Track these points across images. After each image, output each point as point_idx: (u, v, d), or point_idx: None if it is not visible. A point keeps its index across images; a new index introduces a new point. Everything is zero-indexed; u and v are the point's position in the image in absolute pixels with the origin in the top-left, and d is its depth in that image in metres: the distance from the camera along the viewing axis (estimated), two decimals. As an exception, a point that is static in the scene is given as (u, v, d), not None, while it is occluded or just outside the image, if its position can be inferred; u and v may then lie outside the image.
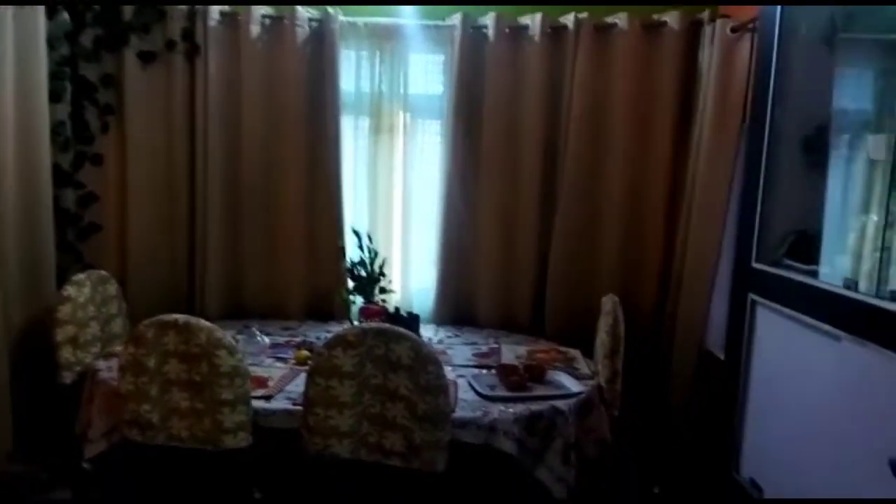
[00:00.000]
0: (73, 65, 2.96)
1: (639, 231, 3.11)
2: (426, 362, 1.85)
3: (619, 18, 3.03)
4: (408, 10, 3.13)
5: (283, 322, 3.06)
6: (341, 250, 2.96)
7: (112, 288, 2.74)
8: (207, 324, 1.93)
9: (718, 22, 2.85)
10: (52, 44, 2.81)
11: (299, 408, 1.96)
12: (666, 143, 3.06)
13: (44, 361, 2.58)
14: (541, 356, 2.59)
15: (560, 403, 2.09)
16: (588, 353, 2.66)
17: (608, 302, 2.44)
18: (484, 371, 2.39)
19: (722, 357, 2.80)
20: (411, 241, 3.23)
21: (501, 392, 2.15)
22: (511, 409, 2.02)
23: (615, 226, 3.08)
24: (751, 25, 2.74)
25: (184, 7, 3.00)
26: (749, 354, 1.87)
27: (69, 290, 2.49)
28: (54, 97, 2.86)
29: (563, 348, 2.72)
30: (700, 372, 2.86)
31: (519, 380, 2.18)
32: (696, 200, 2.89)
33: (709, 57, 2.89)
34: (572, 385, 2.22)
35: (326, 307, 3.17)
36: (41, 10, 2.71)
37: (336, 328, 2.91)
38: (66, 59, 2.92)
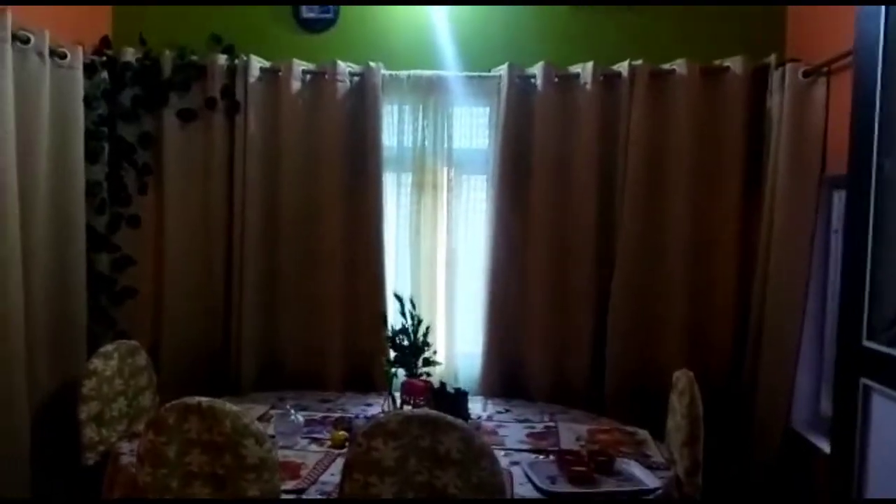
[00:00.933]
0: (111, 124, 2.90)
1: (707, 295, 2.84)
2: (479, 457, 1.60)
3: (678, 65, 2.84)
4: (451, 62, 3.01)
5: (321, 393, 2.86)
6: (383, 317, 2.76)
7: (142, 359, 2.59)
8: (233, 408, 1.74)
9: (788, 66, 2.63)
10: (89, 103, 2.76)
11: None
12: (734, 197, 2.82)
13: (70, 437, 2.43)
14: (604, 437, 2.31)
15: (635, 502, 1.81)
16: (656, 434, 2.37)
17: (682, 378, 2.16)
18: (541, 457, 2.12)
19: (809, 438, 2.49)
20: (456, 305, 3.01)
21: (563, 487, 1.88)
22: (574, 510, 1.75)
23: (680, 289, 2.81)
24: (825, 69, 2.52)
25: (223, 63, 2.92)
26: (864, 448, 1.57)
27: (95, 363, 2.34)
28: (91, 157, 2.79)
29: (628, 428, 2.43)
30: (786, 454, 2.53)
31: (585, 472, 1.91)
32: (772, 260, 2.62)
33: (779, 104, 2.67)
34: (646, 478, 1.93)
35: (367, 376, 2.96)
36: (79, 68, 2.67)
37: (376, 401, 2.73)
38: (103, 119, 2.86)
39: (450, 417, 1.64)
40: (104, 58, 2.88)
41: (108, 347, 2.43)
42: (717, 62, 2.85)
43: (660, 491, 1.88)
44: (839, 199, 2.61)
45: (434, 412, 1.66)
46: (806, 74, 2.57)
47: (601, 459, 2.00)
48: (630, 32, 2.98)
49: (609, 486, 1.90)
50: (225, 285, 2.99)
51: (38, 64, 2.47)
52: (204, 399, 1.74)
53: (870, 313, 1.56)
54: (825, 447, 2.35)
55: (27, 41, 2.42)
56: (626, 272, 2.82)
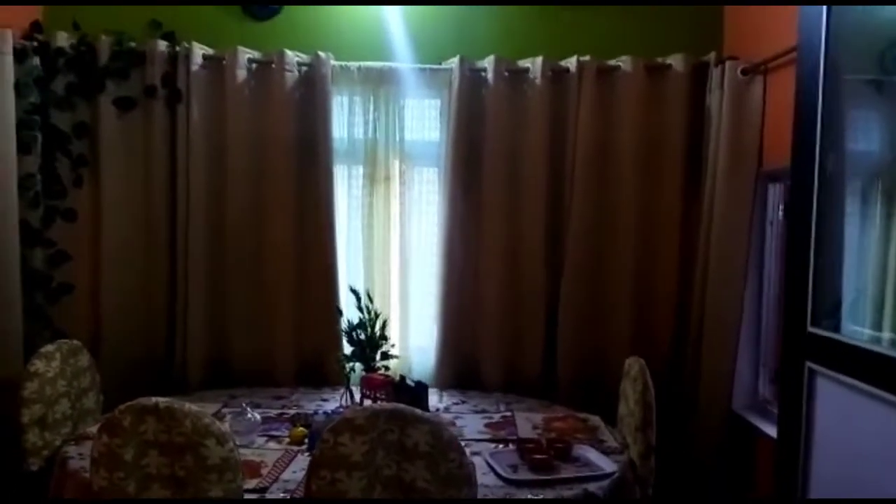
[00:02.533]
0: (44, 113, 2.75)
1: (651, 285, 2.94)
2: (447, 449, 1.62)
3: (623, 61, 2.92)
4: (403, 54, 2.99)
5: (274, 390, 2.80)
6: (338, 311, 2.73)
7: (84, 359, 2.48)
8: (193, 408, 1.69)
9: (727, 64, 2.75)
10: (19, 90, 2.61)
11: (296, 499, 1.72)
12: (676, 189, 2.92)
13: (8, 443, 2.30)
14: (559, 425, 2.37)
15: (593, 487, 1.87)
16: (607, 419, 2.45)
17: (634, 365, 2.24)
18: (501, 446, 2.16)
19: (749, 419, 2.63)
20: (410, 298, 3.02)
21: (526, 474, 1.92)
22: (541, 496, 1.80)
23: (626, 280, 2.91)
24: (763, 67, 2.65)
25: (164, 50, 2.81)
26: (810, 430, 1.67)
27: (37, 365, 2.22)
28: (23, 148, 2.64)
29: (581, 415, 2.50)
30: (727, 436, 2.67)
31: (545, 459, 1.96)
32: (712, 251, 2.74)
33: (718, 100, 2.78)
34: (603, 463, 2.00)
35: (319, 372, 2.92)
36: (9, 53, 2.52)
37: (331, 396, 2.71)
38: (35, 108, 2.70)
39: (418, 411, 1.65)
40: (35, 43, 2.72)
41: (50, 348, 2.31)
42: (660, 59, 2.94)
43: (616, 474, 1.95)
44: (774, 192, 2.75)
45: (402, 406, 1.66)
46: (744, 72, 2.69)
47: (559, 446, 2.06)
48: (578, 28, 3.04)
49: (568, 471, 1.95)
50: (168, 281, 2.89)
51: (-38, 48, 2.32)
52: (161, 399, 1.69)
53: (813, 301, 1.65)
54: (765, 428, 2.50)
55: (-51, 23, 2.27)
56: (575, 263, 2.89)
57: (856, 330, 1.62)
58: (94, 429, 2.18)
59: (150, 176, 2.86)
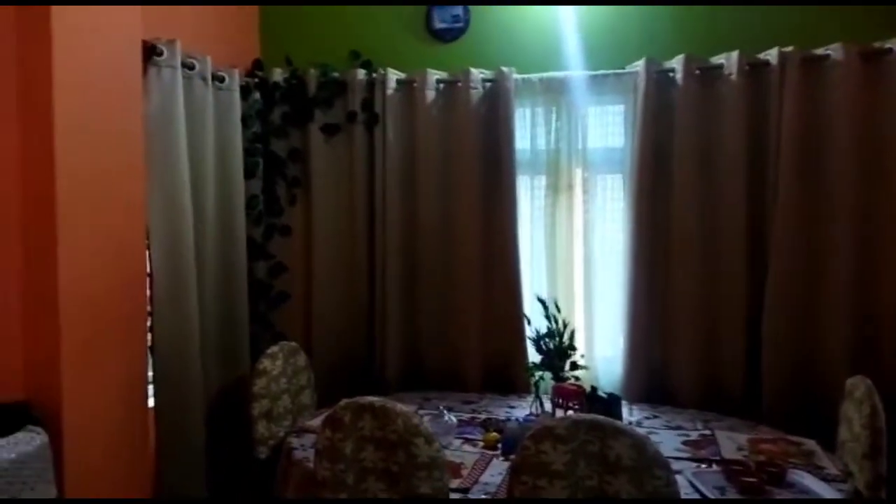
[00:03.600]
0: (265, 141, 3.11)
1: (876, 290, 2.63)
2: (653, 465, 1.58)
3: (833, 49, 2.65)
4: (583, 61, 2.98)
5: (463, 395, 2.91)
6: (526, 319, 2.78)
7: (301, 359, 2.76)
8: (404, 408, 1.82)
9: (968, 43, 2.39)
10: (245, 122, 2.97)
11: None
12: (903, 190, 2.59)
13: (239, 432, 2.63)
14: (768, 447, 2.19)
15: (814, 516, 1.71)
16: (824, 444, 2.23)
17: (860, 385, 2.02)
18: (703, 466, 2.06)
19: None
20: (595, 307, 2.98)
21: (735, 497, 1.81)
22: (754, 522, 1.69)
23: (844, 288, 2.62)
24: None
25: (363, 78, 3.06)
26: None
27: (264, 363, 2.52)
28: (248, 173, 3.00)
29: (793, 438, 2.30)
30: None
31: (756, 483, 1.83)
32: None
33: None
34: (823, 491, 1.83)
35: (504, 378, 2.99)
36: (236, 90, 2.88)
37: (518, 403, 2.76)
38: (257, 136, 3.07)
39: (619, 423, 1.63)
40: (256, 79, 3.09)
41: (274, 348, 2.61)
42: (877, 44, 2.64)
43: (843, 505, 1.78)
44: None
45: (602, 417, 1.66)
46: None
47: (771, 470, 1.91)
48: (776, 15, 2.82)
49: (783, 498, 1.81)
50: (369, 289, 3.12)
51: (202, 88, 2.70)
52: (376, 399, 1.84)
53: None
54: None
55: (192, 67, 2.65)
56: (781, 270, 2.67)
57: None
58: (313, 422, 2.43)
59: (353, 193, 3.12)
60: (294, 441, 2.30)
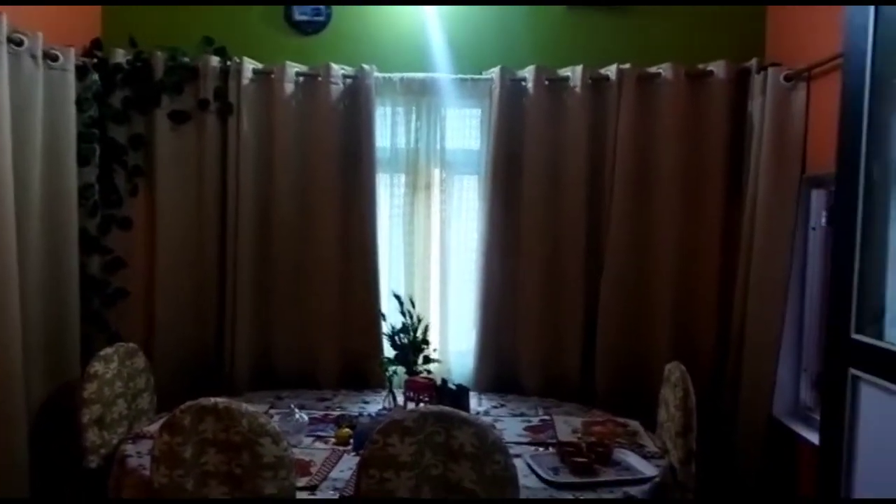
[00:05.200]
0: (102, 126, 2.88)
1: (692, 290, 2.94)
2: (493, 451, 1.67)
3: (664, 68, 2.93)
4: (444, 64, 3.06)
5: (317, 392, 2.89)
6: (381, 316, 2.80)
7: (140, 361, 2.60)
8: (250, 408, 1.77)
9: (770, 70, 2.73)
10: (80, 105, 2.74)
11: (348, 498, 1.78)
12: (718, 196, 2.92)
13: (69, 441, 2.42)
14: (598, 429, 2.39)
15: (634, 490, 1.89)
16: (646, 424, 2.47)
17: (675, 370, 2.26)
18: (541, 449, 2.20)
19: (790, 425, 2.61)
20: (449, 303, 3.07)
21: (567, 477, 1.95)
22: (582, 498, 1.83)
23: (667, 285, 2.91)
24: (806, 74, 2.63)
25: (216, 65, 2.93)
26: (853, 437, 1.67)
27: (96, 367, 2.34)
28: (82, 160, 2.77)
29: (620, 419, 2.52)
30: (768, 441, 2.65)
31: (586, 462, 1.98)
32: (754, 257, 2.72)
33: (760, 107, 2.77)
34: (643, 467, 2.02)
35: (361, 375, 3.00)
36: (71, 70, 2.65)
37: (374, 398, 2.78)
38: (94, 121, 2.84)
39: (464, 413, 1.70)
40: (95, 60, 2.86)
41: (108, 350, 2.43)
42: (701, 66, 2.95)
43: (657, 478, 1.97)
44: (817, 198, 2.73)
45: (448, 409, 1.72)
46: (787, 79, 2.68)
47: (599, 450, 2.08)
48: (619, 35, 3.07)
49: (609, 475, 1.98)
50: (218, 286, 3.00)
51: (31, 66, 2.46)
52: (220, 400, 1.78)
53: (858, 307, 1.65)
54: (806, 434, 2.48)
55: (21, 43, 2.41)
56: (615, 269, 2.91)
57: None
58: (150, 427, 2.30)
59: (202, 186, 2.98)
60: (128, 448, 2.16)
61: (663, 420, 2.35)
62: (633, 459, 2.08)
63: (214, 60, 2.94)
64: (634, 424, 2.47)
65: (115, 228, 2.95)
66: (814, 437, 2.34)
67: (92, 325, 2.85)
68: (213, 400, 1.77)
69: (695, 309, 2.94)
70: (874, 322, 1.66)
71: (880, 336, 1.64)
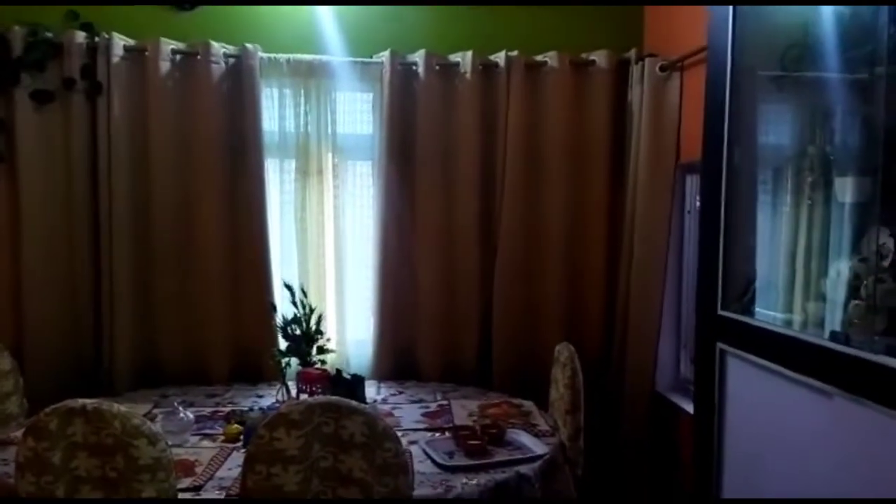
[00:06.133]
0: (-47, 107, 2.60)
1: (581, 271, 3.05)
2: (382, 439, 1.65)
3: (550, 57, 3.00)
4: (333, 47, 2.98)
5: (207, 388, 2.77)
6: (272, 306, 2.71)
7: (6, 362, 2.38)
8: (122, 409, 1.66)
9: (647, 61, 2.86)
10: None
11: (234, 499, 1.71)
12: (602, 182, 3.03)
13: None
14: (494, 411, 2.44)
15: (525, 469, 1.94)
16: (541, 404, 2.54)
17: (564, 351, 2.33)
18: (437, 434, 2.21)
19: (672, 399, 2.78)
20: (345, 292, 3.02)
21: (461, 460, 1.98)
22: (475, 481, 1.85)
23: (557, 268, 3.01)
24: (679, 64, 2.78)
25: (82, 41, 2.70)
26: (722, 404, 1.79)
27: (-51, 371, 2.12)
28: (-71, 144, 2.49)
29: (515, 401, 2.58)
30: (652, 414, 2.81)
31: (479, 444, 2.02)
32: (636, 239, 2.86)
33: (639, 96, 2.89)
34: (535, 446, 2.08)
35: (254, 368, 2.89)
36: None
37: (268, 391, 2.70)
38: (-57, 101, 2.55)
39: (353, 403, 1.67)
40: (-60, 32, 2.57)
41: (-36, 353, 2.21)
42: (584, 55, 3.04)
43: (547, 455, 2.03)
44: (691, 183, 2.90)
45: (336, 398, 1.68)
46: (662, 69, 2.81)
47: (492, 432, 2.12)
48: (507, 23, 3.10)
49: (502, 455, 2.02)
50: (93, 282, 2.79)
51: None
52: (89, 401, 1.65)
53: (723, 285, 1.77)
54: (686, 406, 2.64)
55: None
56: (507, 255, 2.97)
57: (764, 313, 1.74)
58: (17, 433, 2.10)
59: (71, 172, 2.75)
60: (-10, 458, 1.98)
61: (554, 399, 2.43)
62: (525, 439, 2.14)
63: (80, 36, 2.72)
64: (528, 405, 2.54)
65: (-28, 219, 2.68)
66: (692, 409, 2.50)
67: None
68: (80, 401, 1.64)
69: (583, 291, 3.05)
70: (739, 299, 1.78)
71: (745, 312, 1.76)
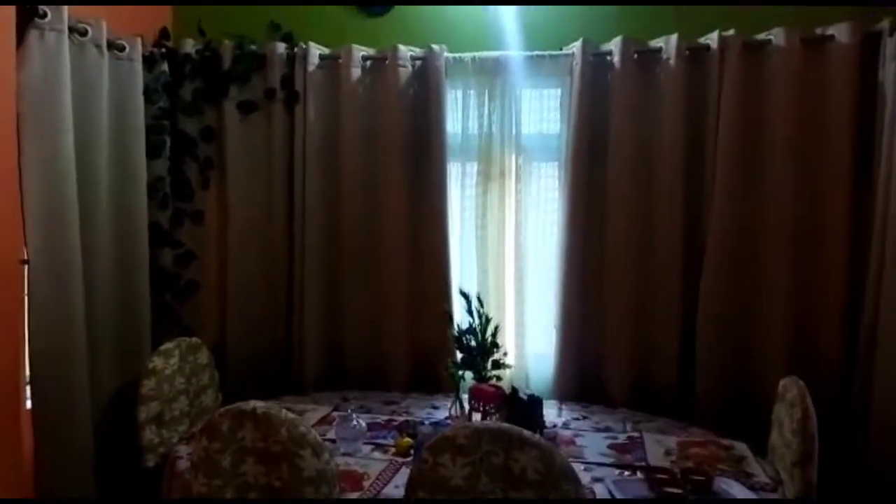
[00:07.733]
0: (173, 118, 2.84)
1: (812, 291, 2.55)
2: (560, 479, 1.41)
3: (775, 35, 2.55)
4: (519, 41, 2.81)
5: (385, 394, 2.73)
6: (448, 315, 2.59)
7: (203, 356, 2.52)
8: (289, 416, 1.61)
9: (906, 32, 2.29)
10: (149, 96, 2.70)
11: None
12: (843, 181, 2.51)
13: (132, 438, 2.38)
14: (697, 452, 2.06)
15: (739, 531, 1.58)
16: (755, 449, 2.11)
17: (792, 387, 1.90)
18: (626, 473, 1.91)
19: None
20: (526, 302, 2.81)
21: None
22: (671, 539, 1.54)
23: (781, 285, 2.53)
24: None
25: (283, 52, 2.82)
26: None
27: (155, 362, 2.28)
28: (152, 153, 2.73)
29: (724, 441, 2.17)
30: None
31: (680, 495, 1.68)
32: (888, 251, 2.29)
33: (893, 75, 2.33)
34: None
35: (432, 377, 2.80)
36: (139, 60, 2.62)
37: (443, 403, 2.60)
38: (164, 113, 2.80)
39: (526, 433, 1.45)
40: (164, 50, 2.82)
41: (169, 345, 2.37)
42: (819, 30, 2.54)
43: (768, 518, 1.64)
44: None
45: (507, 426, 1.48)
46: (931, 39, 2.24)
47: (697, 479, 1.77)
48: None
49: (707, 509, 1.67)
50: (287, 280, 2.90)
51: (96, 56, 2.43)
52: (259, 404, 1.63)
53: None
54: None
55: (85, 33, 2.38)
56: (717, 266, 2.56)
57: None
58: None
59: (271, 177, 2.88)
60: (181, 449, 2.08)
61: (777, 445, 1.99)
62: (737, 491, 1.76)
63: (281, 47, 2.84)
64: (741, 447, 2.12)
65: (187, 222, 2.91)
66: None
67: (165, 320, 2.82)
68: (252, 404, 1.62)
69: (816, 314, 2.54)
70: None
71: None
